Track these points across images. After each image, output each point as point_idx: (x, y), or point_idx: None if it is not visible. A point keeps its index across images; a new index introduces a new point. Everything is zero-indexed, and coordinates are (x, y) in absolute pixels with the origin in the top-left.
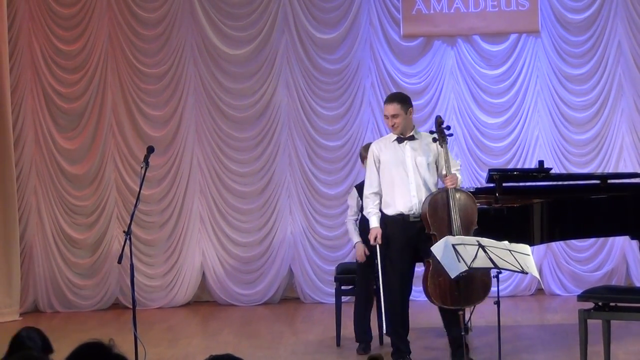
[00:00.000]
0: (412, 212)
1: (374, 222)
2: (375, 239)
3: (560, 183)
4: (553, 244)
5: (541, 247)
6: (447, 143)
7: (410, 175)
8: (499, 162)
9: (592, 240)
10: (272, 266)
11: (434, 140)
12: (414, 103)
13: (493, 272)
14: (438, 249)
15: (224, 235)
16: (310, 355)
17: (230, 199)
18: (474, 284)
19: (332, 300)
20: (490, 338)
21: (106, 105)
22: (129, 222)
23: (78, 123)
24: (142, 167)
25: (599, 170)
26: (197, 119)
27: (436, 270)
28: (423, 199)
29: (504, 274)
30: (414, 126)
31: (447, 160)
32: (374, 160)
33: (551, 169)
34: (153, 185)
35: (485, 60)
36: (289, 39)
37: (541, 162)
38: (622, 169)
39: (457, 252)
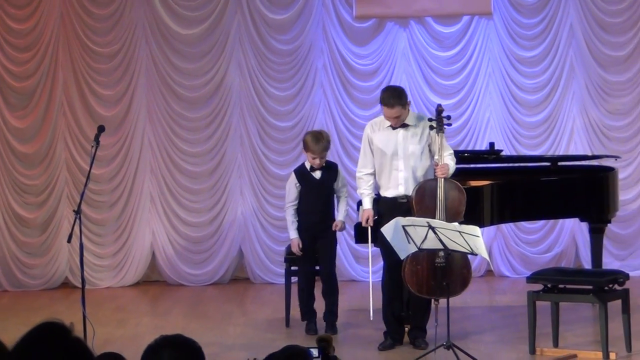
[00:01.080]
0: (399, 197)
1: (367, 204)
2: (367, 220)
3: (510, 165)
4: (503, 225)
5: (491, 229)
6: (444, 132)
7: (400, 164)
8: (450, 144)
9: (542, 222)
10: (222, 246)
11: (431, 127)
12: (365, 84)
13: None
14: (388, 230)
15: (174, 215)
16: (259, 336)
17: (181, 179)
18: (453, 276)
19: (282, 280)
20: (439, 319)
21: (57, 84)
22: (79, 201)
23: (29, 102)
24: (92, 147)
25: (550, 153)
26: (149, 98)
27: (415, 257)
28: (411, 188)
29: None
30: (409, 112)
31: (441, 149)
32: (368, 141)
33: (502, 150)
34: (103, 164)
35: (438, 42)
36: (241, 19)
37: (492, 144)
38: (572, 151)
39: (407, 233)
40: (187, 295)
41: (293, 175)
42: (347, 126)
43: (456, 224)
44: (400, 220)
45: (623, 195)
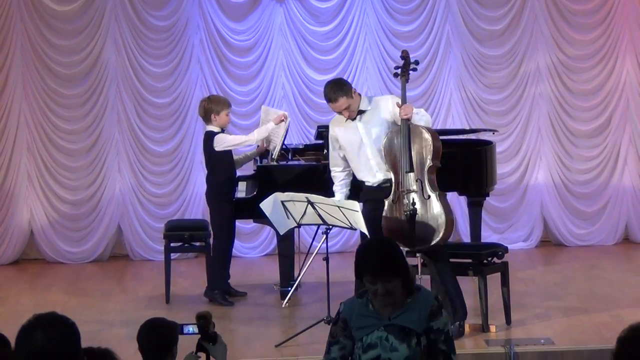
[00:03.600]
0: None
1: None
2: None
3: None
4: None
5: None
6: (407, 78)
7: (368, 152)
8: (327, 119)
9: None
10: (100, 224)
11: (395, 75)
12: (242, 60)
13: (322, 228)
14: (267, 205)
15: (52, 192)
16: (139, 312)
17: (58, 157)
18: (423, 224)
19: (161, 257)
20: (320, 294)
21: None
22: None
23: None
24: None
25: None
26: (24, 75)
27: (389, 210)
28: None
29: (333, 230)
30: (360, 97)
31: (403, 94)
32: (333, 140)
33: None
34: None
35: (314, 17)
36: None
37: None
38: (450, 125)
39: (286, 208)
40: (66, 273)
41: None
42: None
43: (334, 199)
44: (278, 196)
45: (501, 169)
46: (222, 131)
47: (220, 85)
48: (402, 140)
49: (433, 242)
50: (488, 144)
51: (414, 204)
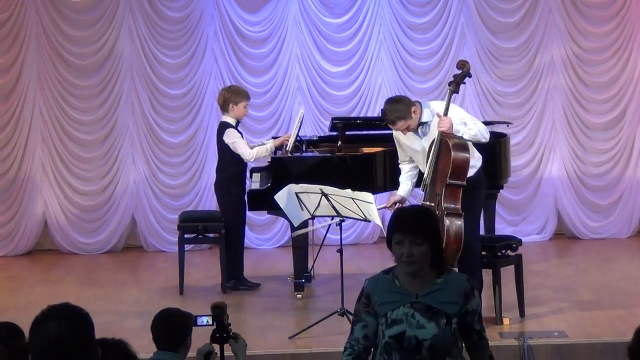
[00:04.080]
0: None
1: (398, 191)
2: (391, 205)
3: None
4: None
5: (384, 195)
6: (456, 90)
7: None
8: (342, 111)
9: None
10: (114, 215)
11: (449, 83)
12: (256, 51)
13: (336, 219)
14: (281, 197)
15: (66, 183)
16: (153, 303)
17: (73, 147)
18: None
19: (175, 248)
20: (333, 286)
21: None
22: None
23: None
24: None
25: None
26: (39, 66)
27: None
28: None
29: (347, 221)
30: (421, 109)
31: (447, 105)
32: (396, 141)
33: None
34: None
35: (328, 9)
36: None
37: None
38: None
39: (300, 200)
40: (80, 264)
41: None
42: None
43: (349, 190)
44: (293, 187)
45: (515, 161)
46: (237, 123)
47: (234, 77)
48: (433, 151)
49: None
50: (502, 136)
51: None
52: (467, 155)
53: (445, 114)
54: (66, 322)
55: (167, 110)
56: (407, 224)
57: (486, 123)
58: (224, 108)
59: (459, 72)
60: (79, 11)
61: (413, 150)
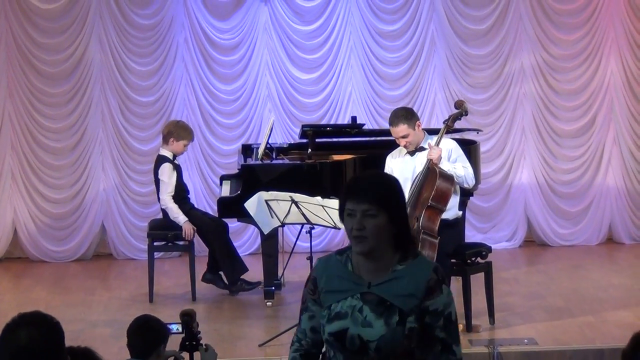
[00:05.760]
0: None
1: None
2: None
3: (373, 139)
4: None
5: None
6: (451, 126)
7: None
8: (312, 118)
9: None
10: (84, 222)
11: (444, 121)
12: (226, 58)
13: (306, 227)
14: (251, 204)
15: (36, 191)
16: (123, 312)
17: (42, 155)
18: None
19: (145, 256)
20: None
21: None
22: None
23: None
24: None
25: None
26: (9, 73)
27: None
28: None
29: (317, 229)
30: (424, 134)
31: (439, 137)
32: (389, 167)
33: (364, 124)
34: None
35: (299, 16)
36: None
37: (354, 118)
38: (435, 125)
39: (270, 207)
40: (50, 272)
41: (169, 167)
42: (209, 100)
43: (319, 198)
44: (263, 195)
45: (485, 169)
46: (174, 157)
47: (204, 84)
48: (419, 176)
49: None
50: (472, 143)
51: None
52: (450, 186)
53: (437, 145)
54: (36, 330)
55: (137, 117)
56: (361, 191)
57: (456, 130)
58: (165, 139)
59: (457, 111)
60: (49, 18)
61: (404, 178)
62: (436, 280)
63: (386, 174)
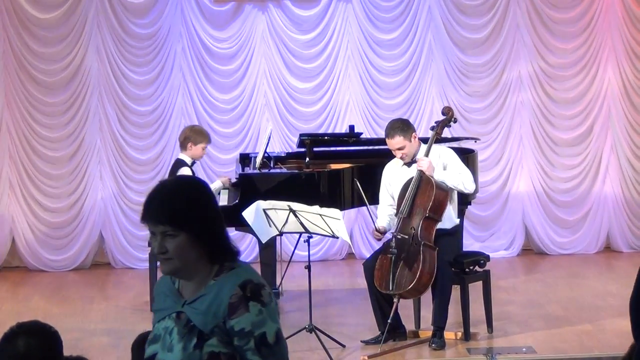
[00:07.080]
0: None
1: (382, 222)
2: (376, 234)
3: (370, 148)
4: (364, 208)
5: (352, 212)
6: (439, 133)
7: None
8: (310, 127)
9: None
10: (82, 231)
11: (432, 128)
12: (224, 68)
13: (304, 236)
14: (249, 213)
15: (34, 200)
16: (121, 321)
17: (40, 164)
18: (407, 273)
19: (143, 265)
20: (301, 302)
21: None
22: None
23: None
24: None
25: None
26: (6, 83)
27: (385, 246)
28: None
29: (315, 238)
30: (420, 144)
31: (429, 146)
32: (385, 183)
33: (362, 133)
34: None
35: (297, 25)
36: (99, 3)
37: (352, 127)
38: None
39: (268, 217)
40: (48, 281)
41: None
42: (207, 109)
43: (317, 207)
44: (260, 204)
45: (482, 177)
46: (193, 163)
47: (202, 93)
48: (411, 187)
49: (405, 290)
50: (470, 152)
51: (395, 248)
52: (447, 193)
53: (427, 155)
54: (35, 339)
55: (135, 127)
56: (153, 211)
57: (454, 139)
58: (183, 145)
59: (444, 117)
60: (46, 28)
61: (398, 186)
62: (240, 297)
63: (187, 182)
